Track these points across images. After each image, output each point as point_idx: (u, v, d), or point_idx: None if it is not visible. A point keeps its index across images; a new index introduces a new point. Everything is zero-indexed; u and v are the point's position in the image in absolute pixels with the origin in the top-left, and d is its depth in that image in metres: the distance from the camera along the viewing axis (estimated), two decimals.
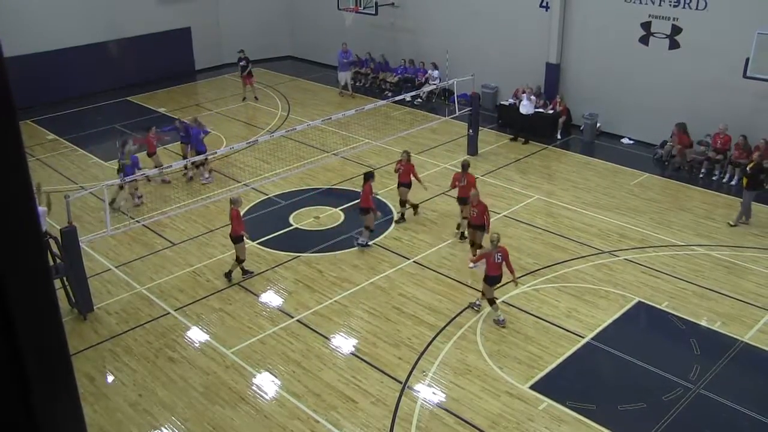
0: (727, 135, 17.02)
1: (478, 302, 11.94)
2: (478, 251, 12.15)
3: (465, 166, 14.21)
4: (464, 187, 13.83)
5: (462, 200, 14.00)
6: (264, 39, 27.35)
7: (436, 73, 22.98)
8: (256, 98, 23.56)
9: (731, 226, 14.77)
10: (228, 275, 12.97)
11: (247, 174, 17.58)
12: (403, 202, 14.93)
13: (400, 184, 14.82)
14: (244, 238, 12.85)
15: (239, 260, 12.87)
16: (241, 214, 12.96)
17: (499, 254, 11.28)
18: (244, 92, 23.65)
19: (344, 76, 23.92)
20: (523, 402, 9.87)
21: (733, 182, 16.80)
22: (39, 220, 1.35)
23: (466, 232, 13.74)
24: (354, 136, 19.86)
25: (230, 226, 12.90)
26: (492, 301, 11.53)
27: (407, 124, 20.92)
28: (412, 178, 14.66)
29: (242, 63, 23.10)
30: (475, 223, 12.85)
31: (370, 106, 18.48)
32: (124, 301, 12.46)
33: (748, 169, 15.16)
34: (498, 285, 11.65)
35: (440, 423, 9.51)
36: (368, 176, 13.87)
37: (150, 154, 16.82)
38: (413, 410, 9.76)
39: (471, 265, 12.65)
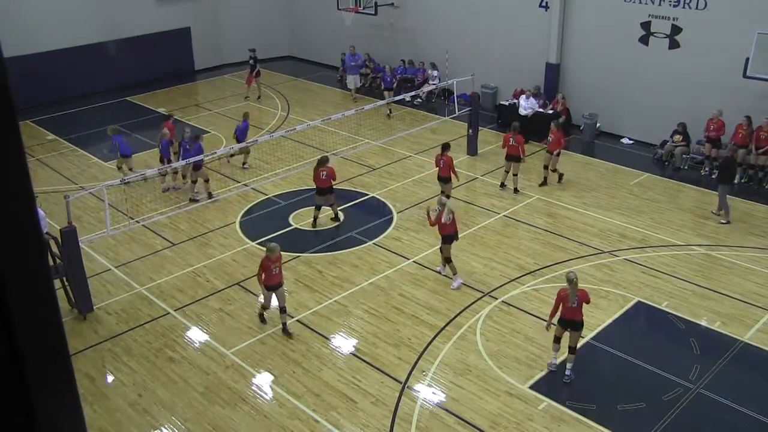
0: (720, 120, 16.99)
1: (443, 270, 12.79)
2: (558, 295, 10.21)
3: (515, 128, 16.00)
4: (513, 146, 15.82)
5: (510, 157, 15.99)
6: (263, 39, 27.34)
7: (435, 73, 22.97)
8: (258, 98, 23.71)
9: (713, 213, 15.15)
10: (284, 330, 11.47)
11: (246, 174, 17.58)
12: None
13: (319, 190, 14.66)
14: (265, 287, 11.20)
15: (264, 306, 11.60)
16: (278, 259, 11.13)
17: (577, 298, 9.98)
18: (247, 91, 23.78)
19: (353, 80, 23.53)
20: (522, 402, 9.87)
21: (734, 181, 16.83)
22: (39, 221, 1.35)
23: (506, 183, 16.39)
24: (354, 136, 19.86)
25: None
26: (557, 339, 10.27)
27: (407, 124, 20.94)
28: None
29: (251, 62, 23.36)
30: (446, 233, 12.39)
31: (369, 106, 18.49)
32: (124, 301, 12.46)
33: (716, 162, 15.88)
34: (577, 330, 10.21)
35: (440, 423, 9.51)
36: (446, 146, 14.99)
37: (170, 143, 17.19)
38: (413, 410, 9.76)
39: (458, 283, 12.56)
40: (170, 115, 18.80)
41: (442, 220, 12.19)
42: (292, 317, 11.77)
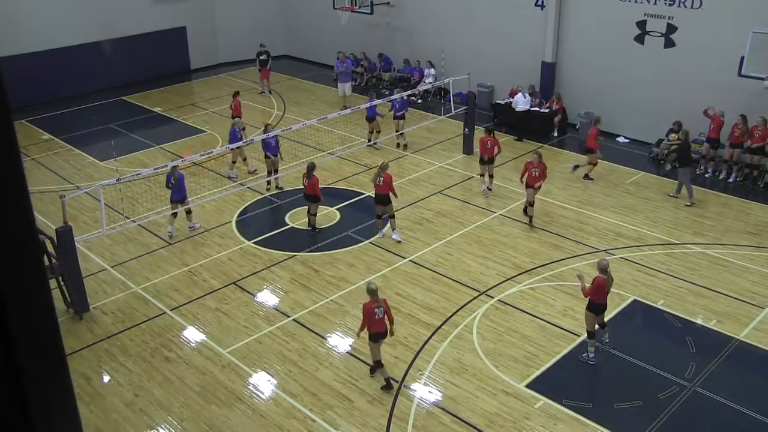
0: (721, 120, 16.98)
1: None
2: (597, 282, 10.28)
3: (540, 155, 15.00)
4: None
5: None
6: (260, 38, 27.26)
7: (432, 71, 22.96)
8: (262, 93, 24.23)
9: (671, 196, 15.98)
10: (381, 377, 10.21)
11: (243, 173, 17.56)
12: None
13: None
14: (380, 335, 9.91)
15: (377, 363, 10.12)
16: (384, 302, 10.03)
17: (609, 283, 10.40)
18: (262, 86, 24.30)
19: (343, 87, 22.69)
20: (519, 400, 9.88)
21: (730, 180, 16.89)
22: (35, 221, 1.35)
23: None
24: (350, 135, 19.85)
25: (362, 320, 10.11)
26: (591, 335, 10.58)
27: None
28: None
29: (262, 57, 23.75)
30: (378, 192, 13.82)
31: (365, 105, 18.47)
32: (120, 301, 12.44)
33: (671, 147, 17.11)
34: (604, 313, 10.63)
35: (437, 422, 9.51)
36: (490, 130, 16.24)
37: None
38: (410, 409, 9.76)
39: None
40: (237, 92, 19.60)
41: (375, 182, 13.71)
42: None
